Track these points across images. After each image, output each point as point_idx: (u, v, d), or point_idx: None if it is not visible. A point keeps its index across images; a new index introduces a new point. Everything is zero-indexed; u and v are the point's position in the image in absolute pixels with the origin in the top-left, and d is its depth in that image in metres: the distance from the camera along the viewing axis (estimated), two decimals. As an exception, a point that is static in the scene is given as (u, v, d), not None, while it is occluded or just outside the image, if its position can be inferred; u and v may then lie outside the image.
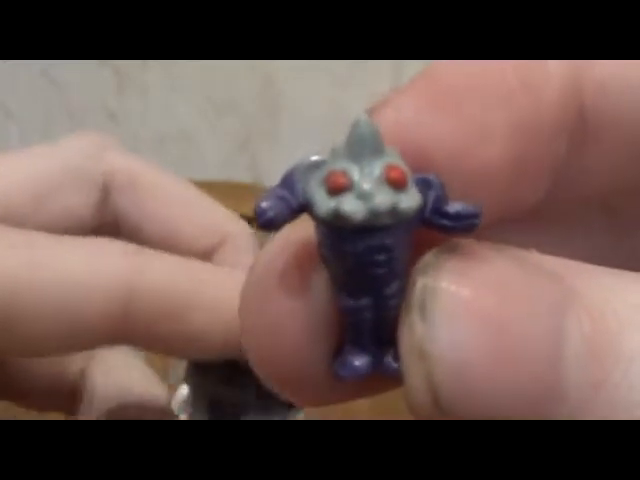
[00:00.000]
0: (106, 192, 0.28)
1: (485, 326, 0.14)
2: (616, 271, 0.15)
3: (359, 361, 0.18)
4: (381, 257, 0.16)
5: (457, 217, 0.16)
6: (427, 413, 0.16)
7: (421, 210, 0.17)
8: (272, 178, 0.90)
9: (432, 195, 0.17)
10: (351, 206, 0.16)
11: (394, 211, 0.16)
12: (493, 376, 0.14)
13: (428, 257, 0.16)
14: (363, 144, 0.17)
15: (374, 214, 0.16)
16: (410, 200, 0.16)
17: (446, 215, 0.17)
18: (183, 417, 0.25)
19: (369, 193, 0.16)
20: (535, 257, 0.15)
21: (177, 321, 0.25)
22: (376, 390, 0.18)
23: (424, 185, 0.17)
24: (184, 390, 0.26)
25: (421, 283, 0.15)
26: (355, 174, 0.17)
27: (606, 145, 0.18)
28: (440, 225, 0.17)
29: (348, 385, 0.18)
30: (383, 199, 0.16)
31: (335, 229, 0.17)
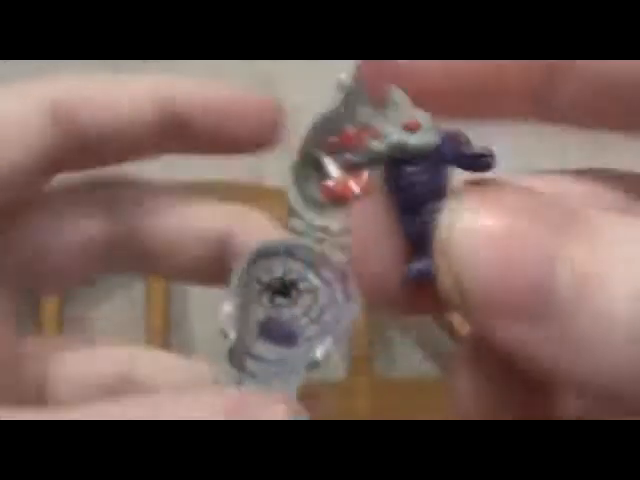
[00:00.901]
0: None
1: (494, 234, 0.17)
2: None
3: (422, 264, 0.22)
4: (421, 179, 0.23)
5: (475, 157, 0.22)
6: (453, 299, 0.19)
7: (436, 148, 0.23)
8: (272, 178, 0.92)
9: (455, 142, 0.23)
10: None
11: (404, 147, 0.24)
12: (500, 273, 0.17)
13: (459, 187, 0.21)
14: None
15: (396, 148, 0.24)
16: (420, 139, 0.23)
17: (467, 156, 0.23)
18: (232, 334, 0.24)
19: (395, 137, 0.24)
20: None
21: None
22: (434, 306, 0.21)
23: (451, 136, 0.23)
24: (229, 306, 0.25)
25: (450, 203, 0.20)
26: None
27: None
28: (463, 164, 0.23)
29: (415, 294, 0.22)
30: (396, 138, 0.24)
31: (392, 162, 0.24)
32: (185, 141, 0.26)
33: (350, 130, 0.27)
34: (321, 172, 0.26)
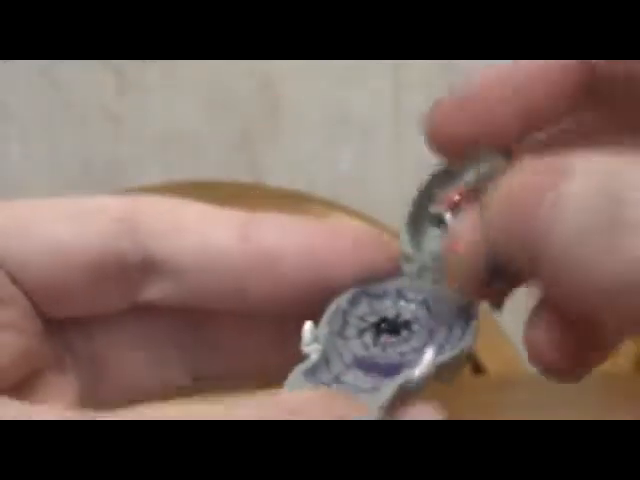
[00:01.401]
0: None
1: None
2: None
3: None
4: None
5: None
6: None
7: None
8: (272, 178, 0.92)
9: None
10: None
11: None
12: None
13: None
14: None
15: None
16: None
17: None
18: (313, 356, 0.24)
19: None
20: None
21: None
22: None
23: None
24: (314, 331, 0.24)
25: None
26: None
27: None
28: None
29: None
30: None
31: None
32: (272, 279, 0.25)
33: (464, 190, 0.26)
34: (439, 226, 0.27)
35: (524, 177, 0.22)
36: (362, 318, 0.25)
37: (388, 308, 0.25)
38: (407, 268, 0.26)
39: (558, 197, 0.21)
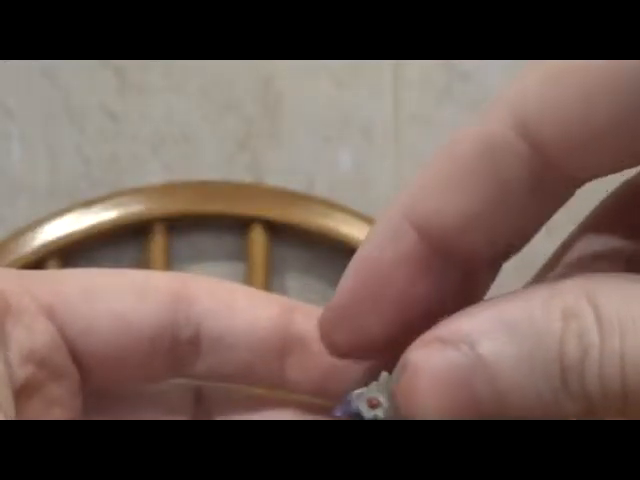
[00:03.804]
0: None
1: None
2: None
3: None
4: None
5: None
6: None
7: None
8: (272, 178, 0.92)
9: None
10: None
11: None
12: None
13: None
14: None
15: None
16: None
17: None
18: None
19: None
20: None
21: None
22: None
23: None
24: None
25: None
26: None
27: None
28: None
29: None
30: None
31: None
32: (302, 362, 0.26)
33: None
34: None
35: (434, 363, 0.21)
36: None
37: None
38: None
39: (489, 371, 0.20)
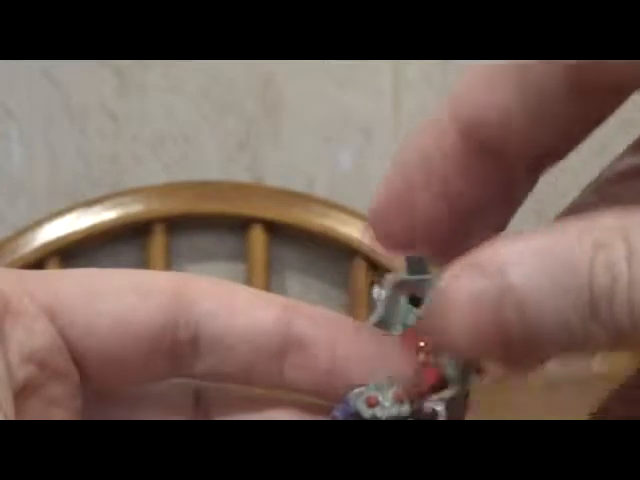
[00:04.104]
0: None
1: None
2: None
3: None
4: None
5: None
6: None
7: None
8: (272, 178, 0.91)
9: None
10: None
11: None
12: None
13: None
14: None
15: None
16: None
17: None
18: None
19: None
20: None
21: None
22: None
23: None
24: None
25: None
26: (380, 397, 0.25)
27: None
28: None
29: None
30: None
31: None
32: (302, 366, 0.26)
33: (400, 335, 0.27)
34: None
35: (467, 288, 0.21)
36: None
37: None
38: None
39: (517, 298, 0.21)
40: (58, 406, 0.24)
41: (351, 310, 1.01)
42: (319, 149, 1.05)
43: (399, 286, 0.28)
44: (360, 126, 1.05)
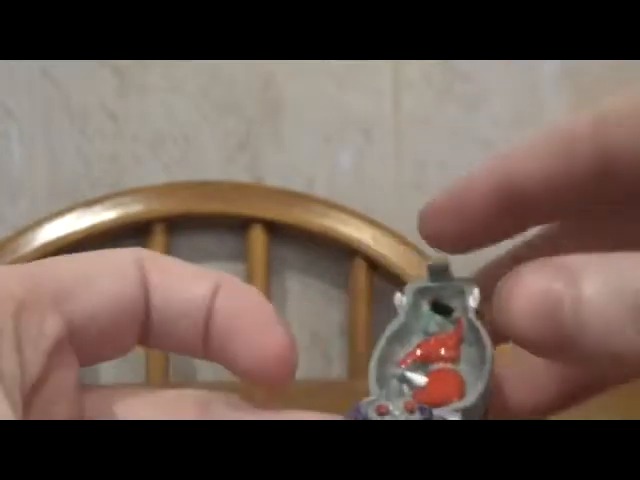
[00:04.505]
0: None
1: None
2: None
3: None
4: None
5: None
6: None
7: None
8: (272, 178, 0.92)
9: None
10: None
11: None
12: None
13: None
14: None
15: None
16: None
17: None
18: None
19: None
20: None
21: None
22: None
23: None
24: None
25: None
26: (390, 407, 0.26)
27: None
28: None
29: None
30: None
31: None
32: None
33: (421, 342, 0.29)
34: (403, 386, 0.28)
35: (539, 282, 0.24)
36: None
37: None
38: None
39: (577, 304, 0.23)
40: (64, 397, 0.25)
41: (351, 310, 1.01)
42: (319, 149, 1.05)
43: (421, 292, 0.29)
44: (360, 126, 1.05)
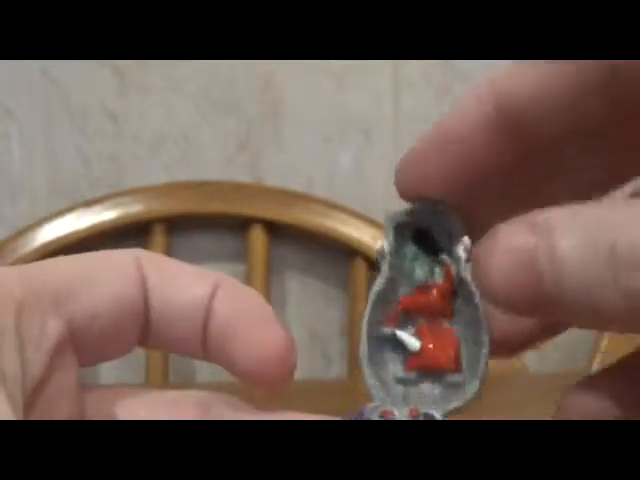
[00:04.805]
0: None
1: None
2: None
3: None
4: None
5: None
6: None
7: None
8: (272, 178, 0.92)
9: None
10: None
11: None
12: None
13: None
14: None
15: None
16: None
17: None
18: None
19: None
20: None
21: None
22: None
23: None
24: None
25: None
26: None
27: None
28: None
29: None
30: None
31: None
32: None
33: (409, 294, 0.27)
34: (398, 348, 0.27)
35: (514, 238, 0.24)
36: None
37: None
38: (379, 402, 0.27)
39: (553, 258, 0.23)
40: (65, 397, 0.25)
41: (351, 310, 1.01)
42: (319, 149, 1.05)
43: (403, 230, 0.27)
44: (360, 126, 1.05)
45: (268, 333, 0.26)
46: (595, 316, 0.23)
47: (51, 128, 1.04)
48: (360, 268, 0.99)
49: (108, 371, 1.03)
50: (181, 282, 0.27)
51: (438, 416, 0.25)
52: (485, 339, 0.26)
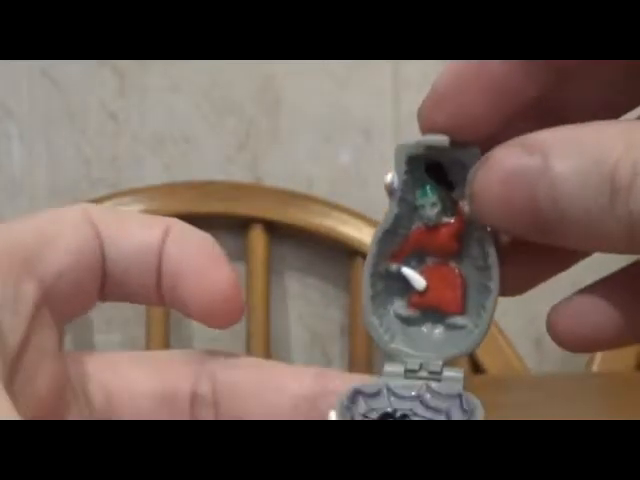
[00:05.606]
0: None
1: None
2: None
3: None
4: None
5: None
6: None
7: None
8: (272, 178, 0.92)
9: None
10: None
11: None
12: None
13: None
14: None
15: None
16: None
17: None
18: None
19: None
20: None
21: None
22: None
23: None
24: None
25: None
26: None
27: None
28: None
29: None
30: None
31: None
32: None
33: (416, 230, 0.26)
34: (402, 287, 0.26)
35: (509, 161, 0.23)
36: (365, 415, 0.25)
37: (384, 406, 0.25)
38: (391, 368, 0.26)
39: (552, 179, 0.22)
40: (47, 360, 0.25)
41: (351, 310, 1.01)
42: (319, 149, 1.05)
43: (415, 163, 0.25)
44: (360, 126, 1.05)
45: (213, 272, 0.26)
46: (596, 240, 0.23)
47: (51, 128, 1.04)
48: (360, 268, 0.99)
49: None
50: (133, 230, 0.27)
51: (443, 406, 0.25)
52: (494, 287, 0.25)
